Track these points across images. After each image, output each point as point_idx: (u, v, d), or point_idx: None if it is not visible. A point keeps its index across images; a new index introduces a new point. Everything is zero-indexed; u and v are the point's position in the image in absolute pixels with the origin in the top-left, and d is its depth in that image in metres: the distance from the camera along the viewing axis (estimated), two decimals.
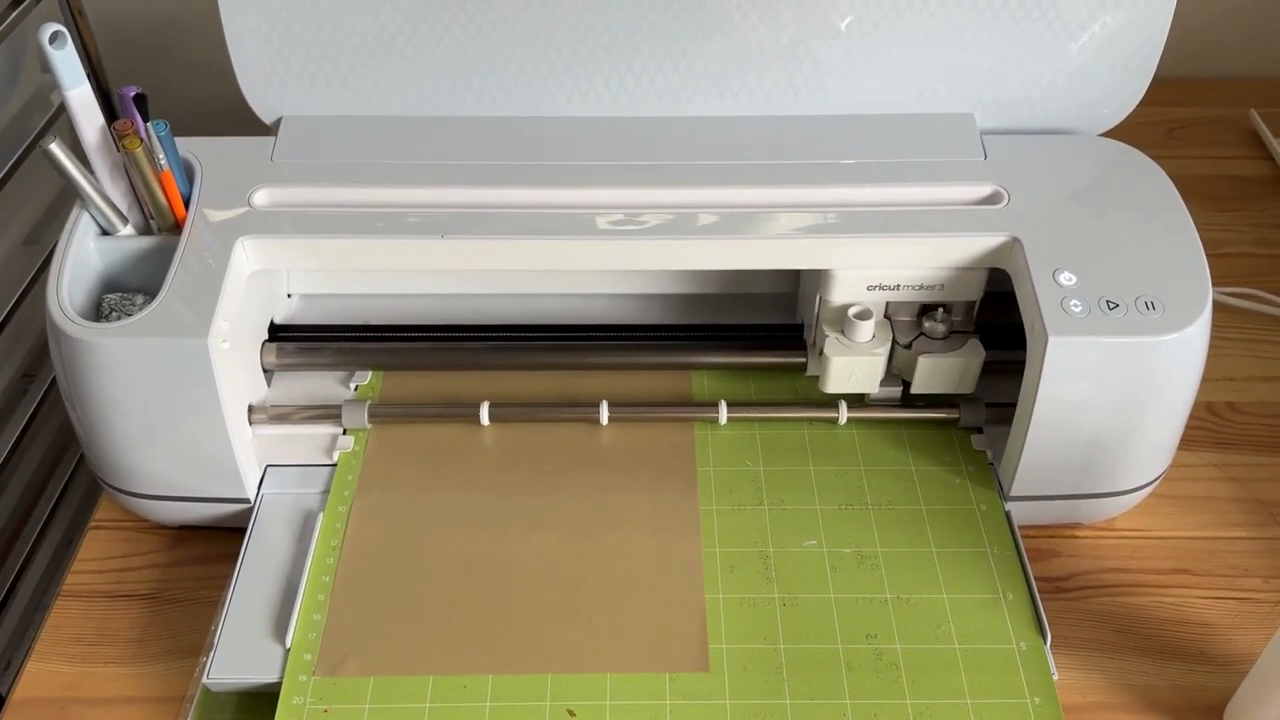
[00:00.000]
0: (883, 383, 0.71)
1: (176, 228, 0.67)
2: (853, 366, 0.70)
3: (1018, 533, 0.67)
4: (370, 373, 0.75)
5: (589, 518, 0.67)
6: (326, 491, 0.69)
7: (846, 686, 0.60)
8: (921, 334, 0.70)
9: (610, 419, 0.72)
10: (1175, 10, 0.70)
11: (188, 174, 0.69)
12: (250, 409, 0.70)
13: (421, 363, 0.76)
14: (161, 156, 0.66)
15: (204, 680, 0.60)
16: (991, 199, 0.68)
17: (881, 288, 0.69)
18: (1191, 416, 0.67)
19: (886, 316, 0.71)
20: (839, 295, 0.69)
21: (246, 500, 0.68)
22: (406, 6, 0.70)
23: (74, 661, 0.65)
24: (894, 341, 0.70)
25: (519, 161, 0.70)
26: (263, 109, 0.73)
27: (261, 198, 0.68)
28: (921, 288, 0.69)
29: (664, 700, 0.59)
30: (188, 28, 1.07)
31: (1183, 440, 0.69)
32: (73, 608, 0.67)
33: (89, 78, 0.64)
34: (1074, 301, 0.62)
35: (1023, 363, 0.64)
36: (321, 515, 0.67)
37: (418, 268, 0.73)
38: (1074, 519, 0.70)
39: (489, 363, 0.76)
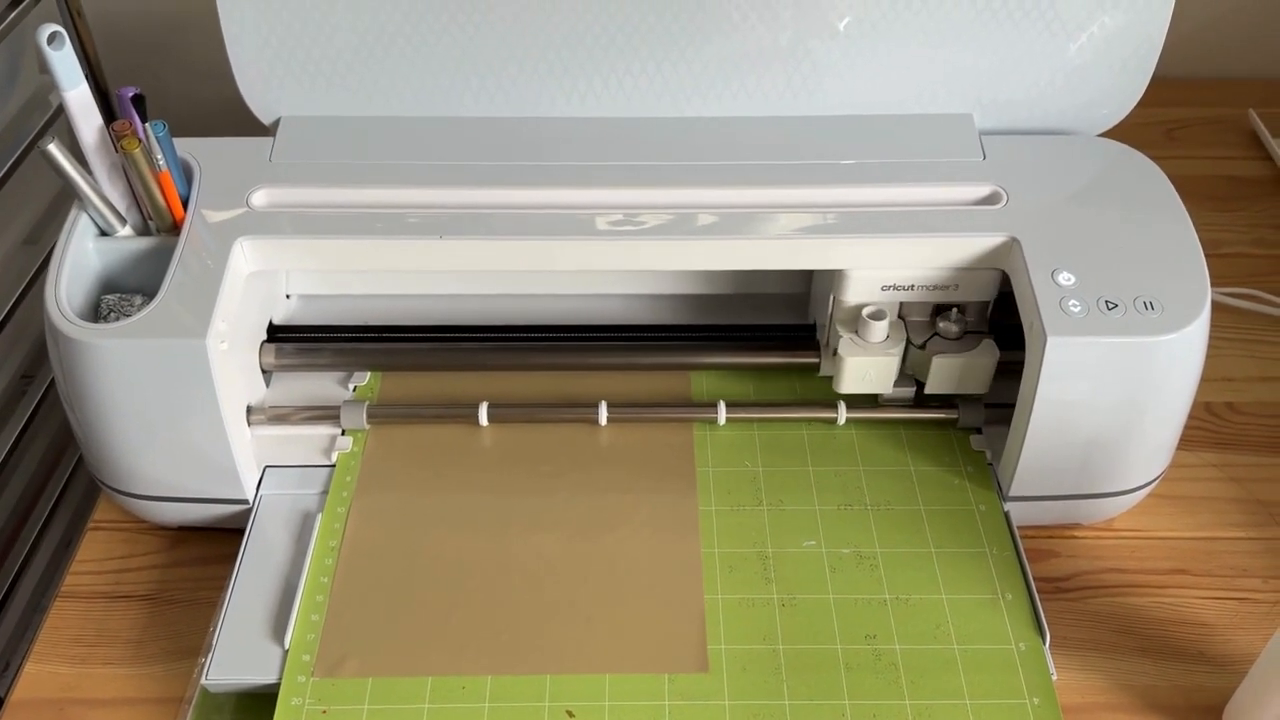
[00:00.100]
0: (896, 383, 0.71)
1: (175, 228, 0.67)
2: (867, 367, 0.70)
3: (1017, 533, 0.67)
4: (369, 373, 0.75)
5: (588, 518, 0.67)
6: (325, 492, 0.69)
7: (845, 687, 0.60)
8: (935, 334, 0.70)
9: (609, 419, 0.72)
10: (1174, 10, 0.70)
11: (186, 175, 0.69)
12: (249, 410, 0.70)
13: (420, 363, 0.76)
14: (160, 157, 0.66)
15: (202, 681, 0.60)
16: (990, 199, 0.68)
17: (896, 288, 0.69)
18: (1190, 417, 0.67)
19: (900, 317, 0.71)
20: (853, 295, 0.69)
21: (245, 501, 0.68)
22: (405, 7, 0.70)
23: (73, 662, 0.65)
24: (908, 342, 0.70)
25: (517, 162, 0.70)
26: (261, 109, 0.73)
27: (260, 198, 0.68)
28: (935, 288, 0.68)
29: (663, 701, 0.59)
30: (186, 28, 1.07)
31: (1182, 440, 0.69)
32: (71, 609, 0.67)
33: (87, 78, 0.64)
34: (1073, 302, 0.62)
35: (1022, 363, 0.64)
36: (320, 516, 0.67)
37: (416, 268, 0.73)
38: (1073, 519, 0.70)
39: (488, 363, 0.76)
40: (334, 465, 0.70)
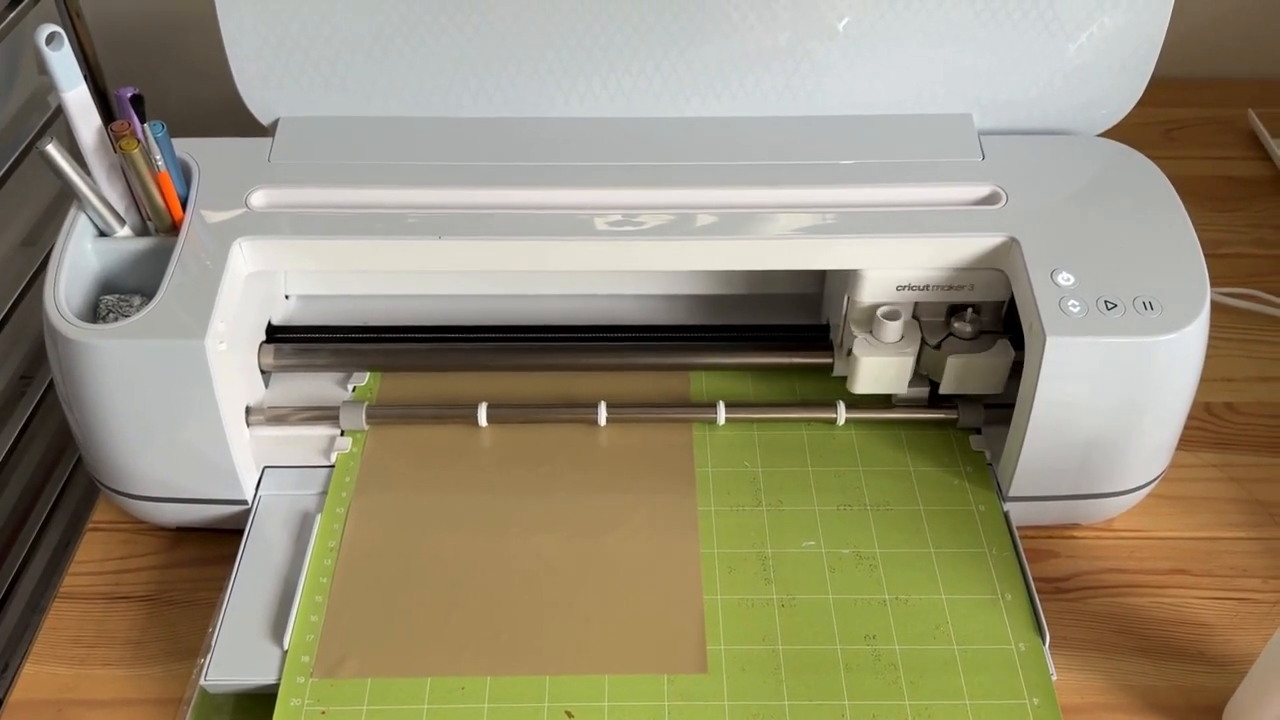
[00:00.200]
0: (910, 383, 0.71)
1: (174, 229, 0.67)
2: (881, 367, 0.70)
3: (1016, 533, 0.67)
4: (368, 374, 0.75)
5: (587, 519, 0.67)
6: (324, 493, 0.69)
7: (845, 687, 0.60)
8: (950, 334, 0.70)
9: (609, 420, 0.72)
10: (1173, 10, 0.70)
11: (185, 175, 0.69)
12: (248, 410, 0.70)
13: (419, 364, 0.76)
14: (159, 157, 0.65)
15: (201, 682, 0.60)
16: (989, 199, 0.68)
17: (911, 288, 0.69)
18: (1190, 417, 0.67)
19: (915, 317, 0.71)
20: (867, 295, 0.69)
21: (244, 502, 0.68)
22: (404, 8, 0.70)
23: (72, 663, 0.64)
24: (922, 342, 0.70)
25: (516, 162, 0.70)
26: (260, 110, 0.73)
27: (259, 199, 0.68)
28: (950, 288, 0.68)
29: (662, 701, 0.59)
30: (185, 29, 1.07)
31: (1181, 441, 0.69)
32: (70, 609, 0.67)
33: (86, 79, 0.64)
34: (1072, 302, 0.62)
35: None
36: (319, 517, 0.67)
37: (415, 269, 0.73)
38: (1073, 519, 0.70)
39: (487, 364, 0.76)
40: (333, 466, 0.70)
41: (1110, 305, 0.62)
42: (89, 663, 0.64)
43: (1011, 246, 0.66)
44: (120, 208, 0.68)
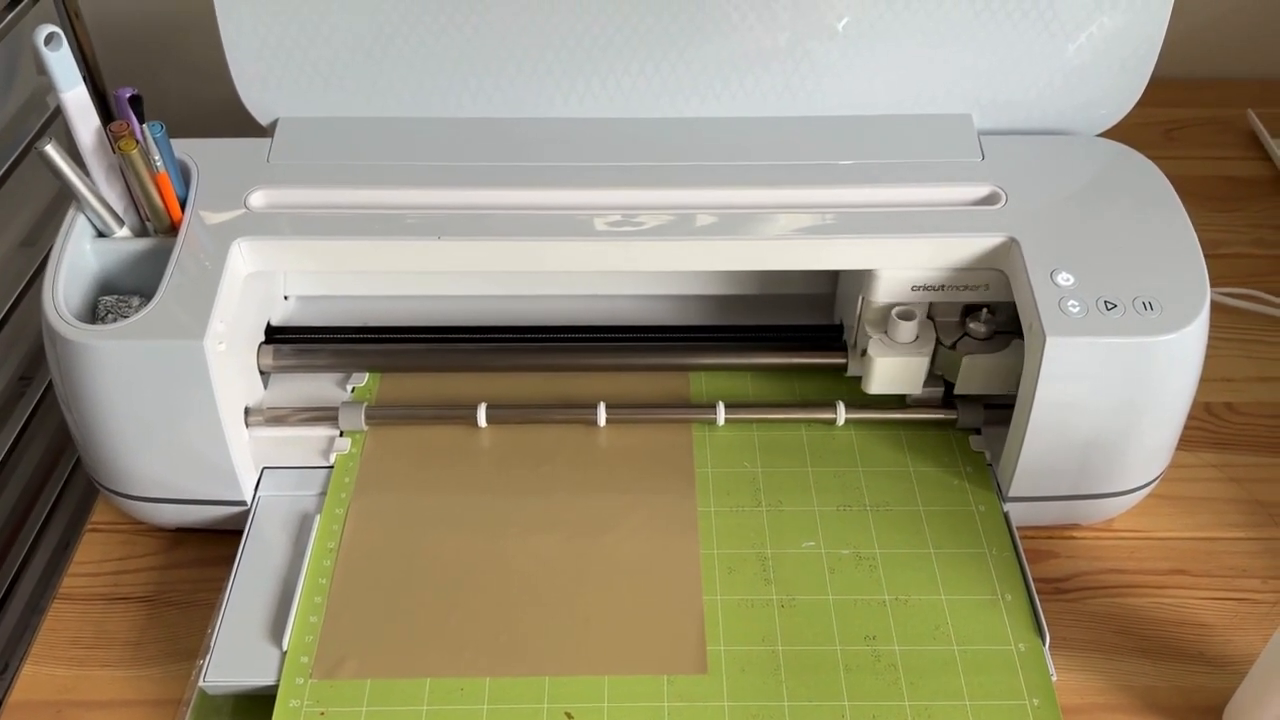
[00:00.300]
0: (925, 383, 0.71)
1: (172, 229, 0.67)
2: (896, 367, 0.70)
3: (1016, 534, 0.67)
4: (367, 374, 0.75)
5: (587, 519, 0.67)
6: (323, 494, 0.69)
7: (845, 688, 0.60)
8: (965, 334, 0.70)
9: (608, 420, 0.72)
10: (1173, 11, 0.70)
11: (184, 176, 0.69)
12: (247, 411, 0.70)
13: (419, 364, 0.76)
14: (157, 158, 0.65)
15: (200, 683, 0.60)
16: (989, 199, 0.68)
17: (926, 288, 0.68)
18: (1190, 417, 0.67)
19: (930, 317, 0.70)
20: (882, 295, 0.69)
21: (243, 502, 0.68)
22: (403, 8, 0.70)
23: (71, 664, 0.64)
24: (937, 342, 0.70)
25: (515, 163, 0.70)
26: (259, 110, 0.73)
27: (258, 199, 0.68)
28: (965, 288, 0.68)
29: (662, 702, 0.59)
30: (184, 29, 1.07)
31: (1181, 441, 0.68)
32: (69, 610, 0.67)
33: (84, 79, 0.64)
34: (1072, 302, 0.62)
35: None
36: (318, 517, 0.67)
37: (415, 269, 0.73)
38: (1072, 520, 0.70)
39: (486, 364, 0.76)
40: (332, 466, 0.70)
41: (1110, 305, 0.62)
42: (88, 664, 0.64)
43: (1011, 247, 0.65)
44: (119, 208, 0.67)
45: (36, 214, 0.90)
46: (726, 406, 0.72)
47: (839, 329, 0.76)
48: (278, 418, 0.71)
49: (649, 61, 0.72)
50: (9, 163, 0.82)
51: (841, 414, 0.72)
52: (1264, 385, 0.80)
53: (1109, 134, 0.74)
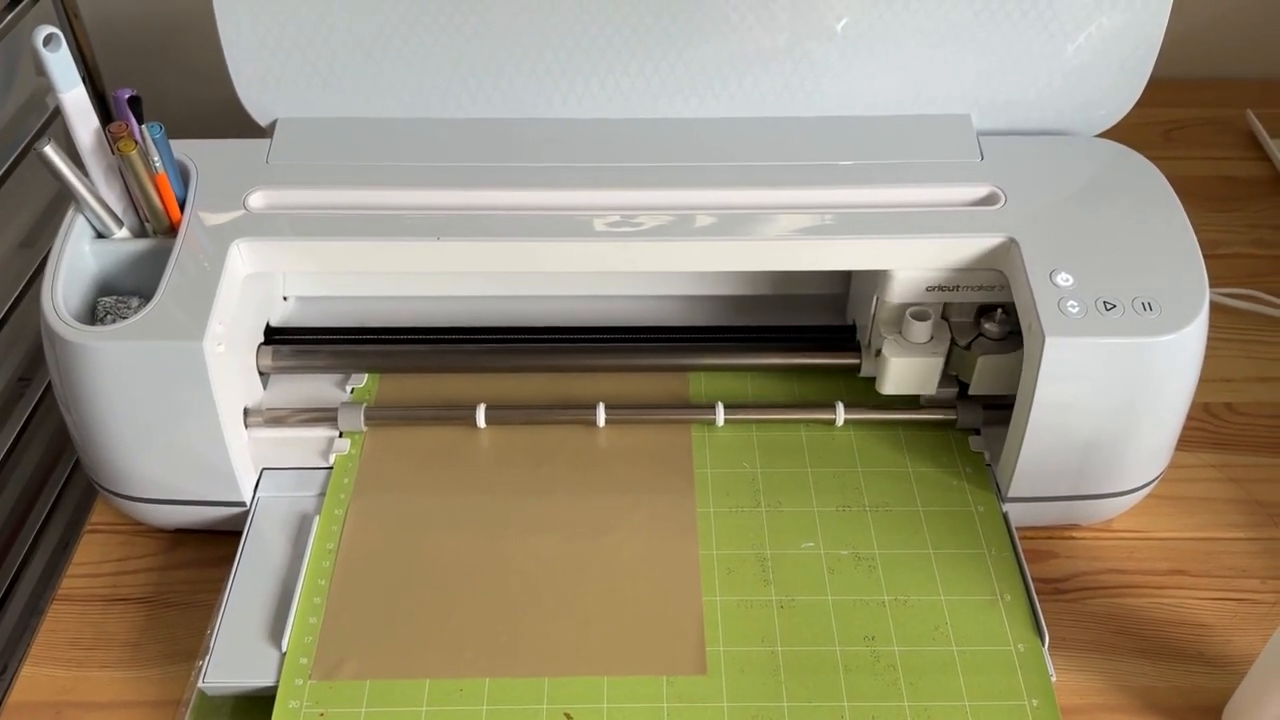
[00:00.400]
0: (939, 384, 0.71)
1: (172, 230, 0.67)
2: (911, 367, 0.70)
3: (1015, 534, 0.67)
4: (366, 375, 0.75)
5: (586, 520, 0.67)
6: (323, 494, 0.69)
7: (844, 688, 0.60)
8: (980, 335, 0.70)
9: (607, 421, 0.72)
10: (1172, 11, 0.70)
11: (183, 176, 0.69)
12: (246, 412, 0.70)
13: (418, 365, 0.76)
14: (156, 159, 0.65)
15: (200, 684, 0.60)
16: (988, 200, 0.68)
17: (941, 288, 0.68)
18: (1189, 417, 0.67)
19: (944, 317, 0.70)
20: (897, 296, 0.69)
21: (242, 503, 0.68)
22: (402, 8, 0.70)
23: (70, 665, 0.64)
24: (952, 342, 0.70)
25: (515, 163, 0.70)
26: (258, 111, 0.73)
27: (257, 200, 0.68)
28: (980, 288, 0.68)
29: (661, 703, 0.59)
30: (183, 30, 1.07)
31: (1180, 441, 0.68)
32: (68, 611, 0.67)
33: (84, 80, 0.64)
34: (1071, 302, 0.62)
35: None
36: (318, 518, 0.67)
37: (414, 270, 0.73)
38: (1072, 520, 0.70)
39: (485, 365, 0.76)
40: (331, 467, 0.70)
41: (1109, 306, 0.62)
42: (87, 665, 0.64)
43: (1010, 247, 0.65)
44: (118, 209, 0.67)
45: (36, 215, 0.90)
46: (726, 407, 0.72)
47: (852, 329, 0.76)
48: (277, 419, 0.71)
49: (648, 61, 0.72)
50: (8, 163, 0.82)
51: (841, 414, 0.72)
52: (1263, 385, 0.80)
53: (1108, 134, 0.74)
